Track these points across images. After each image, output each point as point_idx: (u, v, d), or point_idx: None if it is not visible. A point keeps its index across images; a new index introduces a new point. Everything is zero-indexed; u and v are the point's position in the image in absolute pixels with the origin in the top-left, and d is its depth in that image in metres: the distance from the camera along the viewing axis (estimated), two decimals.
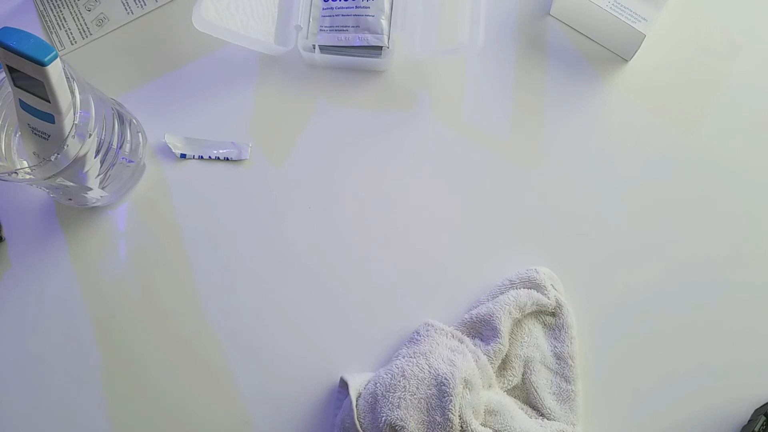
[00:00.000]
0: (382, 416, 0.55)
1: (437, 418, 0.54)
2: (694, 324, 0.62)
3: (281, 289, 0.64)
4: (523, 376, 0.60)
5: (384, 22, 0.66)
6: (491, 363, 0.59)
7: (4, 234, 0.66)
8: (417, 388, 0.55)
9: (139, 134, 0.65)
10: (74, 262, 0.65)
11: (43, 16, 0.71)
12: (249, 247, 0.65)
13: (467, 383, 0.55)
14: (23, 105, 0.54)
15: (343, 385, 0.59)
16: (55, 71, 0.51)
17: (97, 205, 0.65)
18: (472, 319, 0.61)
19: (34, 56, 0.49)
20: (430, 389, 0.55)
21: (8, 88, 0.55)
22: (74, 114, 0.54)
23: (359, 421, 0.56)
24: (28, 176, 0.54)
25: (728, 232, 0.64)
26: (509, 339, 0.60)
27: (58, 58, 0.51)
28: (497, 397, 0.58)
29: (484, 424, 0.56)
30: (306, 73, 0.69)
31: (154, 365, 0.63)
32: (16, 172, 0.53)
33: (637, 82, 0.67)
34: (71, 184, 0.58)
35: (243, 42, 0.65)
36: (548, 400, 0.59)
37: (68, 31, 0.70)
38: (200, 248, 0.65)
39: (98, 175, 0.60)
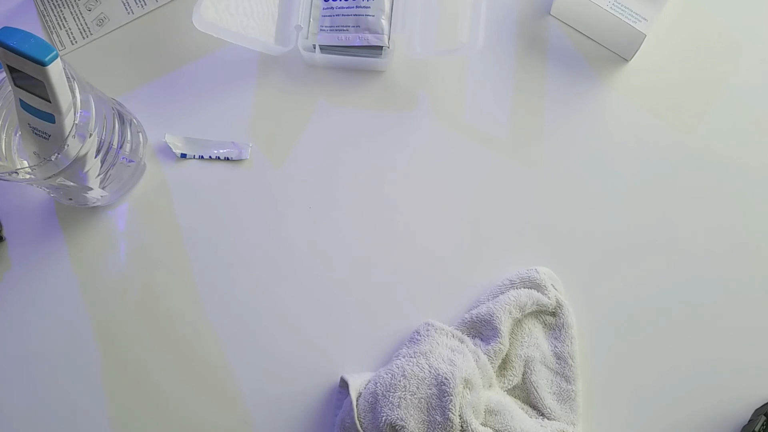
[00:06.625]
0: (383, 416, 0.55)
1: (437, 417, 0.54)
2: (694, 323, 0.62)
3: (281, 289, 0.64)
4: (523, 375, 0.60)
5: (384, 22, 0.66)
6: (491, 363, 0.59)
7: (4, 234, 0.66)
8: (417, 387, 0.55)
9: (140, 134, 0.65)
10: (74, 262, 0.65)
11: (44, 15, 0.71)
12: (249, 247, 0.65)
13: (467, 383, 0.55)
14: (23, 105, 0.54)
15: (344, 384, 0.59)
16: (55, 71, 0.51)
17: (97, 204, 0.65)
18: (472, 318, 0.61)
19: (34, 56, 0.49)
20: (430, 389, 0.55)
21: (8, 87, 0.55)
22: (74, 114, 0.54)
23: (359, 420, 0.56)
24: (28, 176, 0.54)
25: (728, 232, 0.64)
26: (509, 339, 0.60)
27: (59, 58, 0.51)
28: (497, 396, 0.58)
29: (484, 424, 0.56)
30: (306, 73, 0.69)
31: (154, 365, 0.63)
32: (16, 172, 0.53)
33: (637, 82, 0.67)
34: (71, 183, 0.58)
35: (243, 42, 0.65)
36: (548, 400, 0.59)
37: (69, 31, 0.70)
38: (200, 248, 0.65)
39: (98, 174, 0.60)
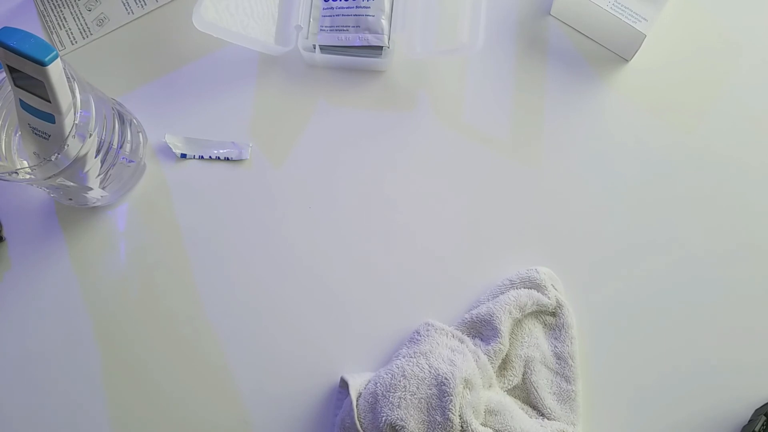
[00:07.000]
0: (383, 416, 0.55)
1: (437, 417, 0.54)
2: (694, 323, 0.62)
3: (281, 289, 0.64)
4: (523, 376, 0.60)
5: (384, 22, 0.66)
6: (491, 363, 0.59)
7: (4, 234, 0.66)
8: (417, 387, 0.55)
9: (140, 134, 0.65)
10: (74, 262, 0.65)
11: (44, 15, 0.71)
12: (249, 247, 0.65)
13: (467, 383, 0.55)
14: (24, 105, 0.54)
15: (344, 384, 0.59)
16: (55, 71, 0.51)
17: (97, 205, 0.65)
18: (472, 318, 0.61)
19: (34, 56, 0.49)
20: (430, 389, 0.55)
21: (8, 88, 0.55)
22: (74, 114, 0.54)
23: (359, 420, 0.56)
24: (28, 176, 0.54)
25: (728, 232, 0.64)
26: (509, 339, 0.60)
27: (59, 58, 0.51)
28: (497, 396, 0.58)
29: (484, 424, 0.56)
30: (306, 73, 0.69)
31: (154, 365, 0.63)
32: (16, 172, 0.53)
33: (637, 82, 0.67)
34: (72, 184, 0.58)
35: (243, 42, 0.65)
36: (548, 400, 0.59)
37: (69, 31, 0.70)
38: (200, 248, 0.65)
39: (98, 175, 0.60)
